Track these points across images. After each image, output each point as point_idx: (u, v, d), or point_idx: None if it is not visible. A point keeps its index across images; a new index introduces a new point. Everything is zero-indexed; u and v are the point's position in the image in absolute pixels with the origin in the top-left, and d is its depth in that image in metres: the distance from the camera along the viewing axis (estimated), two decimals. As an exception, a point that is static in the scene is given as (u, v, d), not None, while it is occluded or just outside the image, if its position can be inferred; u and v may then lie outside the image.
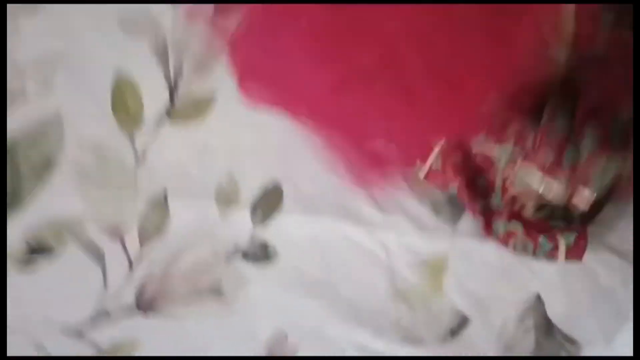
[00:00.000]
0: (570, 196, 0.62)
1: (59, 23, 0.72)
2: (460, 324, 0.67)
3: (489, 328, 0.67)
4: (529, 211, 0.64)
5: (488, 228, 0.66)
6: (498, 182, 0.65)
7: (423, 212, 0.69)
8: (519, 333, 0.68)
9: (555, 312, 0.67)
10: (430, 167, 0.67)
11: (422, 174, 0.67)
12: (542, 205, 0.64)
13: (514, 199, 0.65)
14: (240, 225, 0.69)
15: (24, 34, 0.71)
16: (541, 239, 0.64)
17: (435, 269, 0.68)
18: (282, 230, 0.69)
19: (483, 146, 0.66)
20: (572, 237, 0.64)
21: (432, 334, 0.68)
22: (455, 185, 0.66)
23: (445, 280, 0.68)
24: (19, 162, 0.68)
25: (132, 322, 0.68)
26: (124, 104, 0.71)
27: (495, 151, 0.65)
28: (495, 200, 0.66)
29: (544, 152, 0.63)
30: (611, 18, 0.64)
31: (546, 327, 0.67)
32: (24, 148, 0.69)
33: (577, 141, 0.62)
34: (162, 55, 0.71)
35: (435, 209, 0.69)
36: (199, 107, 0.70)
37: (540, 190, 0.63)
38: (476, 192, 0.66)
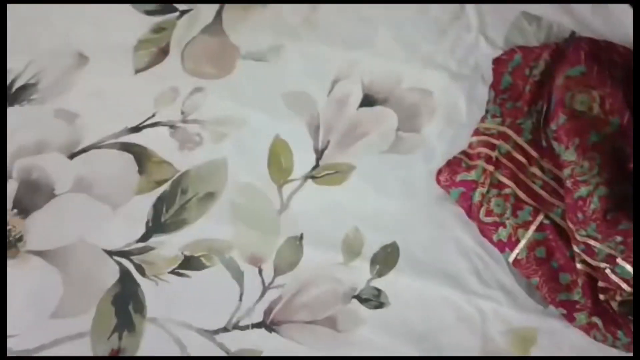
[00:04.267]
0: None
1: (235, 93, 0.90)
2: (541, 392, 0.75)
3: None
4: (614, 304, 0.70)
5: (571, 318, 0.73)
6: (580, 281, 0.72)
7: (519, 290, 0.78)
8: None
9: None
10: (516, 256, 0.75)
11: (510, 259, 0.76)
12: (626, 301, 0.69)
13: (602, 291, 0.71)
14: (359, 273, 0.82)
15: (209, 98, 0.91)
16: (619, 333, 0.70)
17: (525, 340, 0.76)
18: (395, 284, 0.80)
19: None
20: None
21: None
22: (535, 278, 0.75)
23: (533, 351, 0.76)
24: (189, 192, 0.87)
25: (257, 334, 0.79)
26: (278, 161, 0.87)
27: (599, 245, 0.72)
28: (576, 296, 0.73)
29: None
30: None
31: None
32: (195, 182, 0.87)
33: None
34: (315, 129, 0.87)
35: (530, 291, 0.78)
36: (338, 174, 0.86)
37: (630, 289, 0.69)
38: (558, 287, 0.74)
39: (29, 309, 0.81)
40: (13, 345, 0.79)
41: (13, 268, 0.83)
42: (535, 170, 0.79)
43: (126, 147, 0.91)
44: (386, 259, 0.82)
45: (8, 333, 0.79)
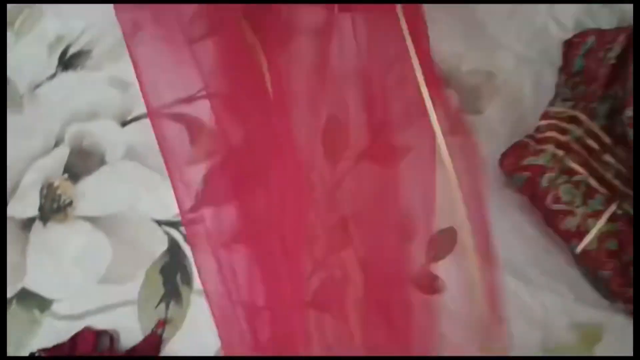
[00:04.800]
0: None
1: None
2: (604, 392, 0.71)
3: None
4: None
5: (641, 315, 0.69)
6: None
7: (584, 284, 0.74)
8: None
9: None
10: (585, 248, 0.71)
11: (578, 251, 0.72)
12: None
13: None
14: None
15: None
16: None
17: (589, 336, 0.72)
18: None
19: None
20: None
21: (575, 392, 0.72)
22: (605, 271, 0.70)
23: (598, 349, 0.72)
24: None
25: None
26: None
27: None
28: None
29: None
30: None
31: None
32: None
33: None
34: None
35: (596, 286, 0.74)
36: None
37: None
38: (629, 282, 0.69)
39: (76, 274, 0.80)
40: (59, 310, 0.78)
41: (62, 232, 0.82)
42: (608, 157, 0.74)
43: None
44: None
45: (55, 297, 0.78)
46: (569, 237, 0.73)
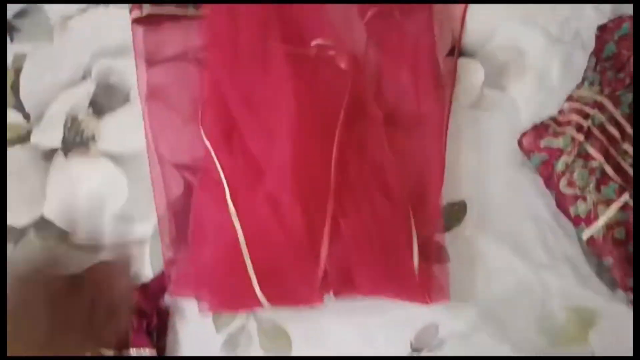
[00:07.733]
0: None
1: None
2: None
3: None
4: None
5: (639, 305, 0.70)
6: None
7: (587, 269, 0.75)
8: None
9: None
10: (592, 235, 0.71)
11: (584, 237, 0.72)
12: None
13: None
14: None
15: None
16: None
17: (585, 320, 0.74)
18: (456, 241, 0.78)
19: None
20: None
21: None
22: (609, 259, 0.71)
23: (592, 333, 0.73)
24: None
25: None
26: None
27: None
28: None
29: None
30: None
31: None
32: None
33: None
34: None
35: (599, 273, 0.75)
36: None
37: None
38: (631, 271, 0.70)
39: (93, 208, 0.82)
40: (74, 240, 0.81)
41: (82, 166, 0.84)
42: (627, 147, 0.74)
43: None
44: (451, 214, 0.79)
45: (71, 228, 0.81)
46: (578, 222, 0.74)
